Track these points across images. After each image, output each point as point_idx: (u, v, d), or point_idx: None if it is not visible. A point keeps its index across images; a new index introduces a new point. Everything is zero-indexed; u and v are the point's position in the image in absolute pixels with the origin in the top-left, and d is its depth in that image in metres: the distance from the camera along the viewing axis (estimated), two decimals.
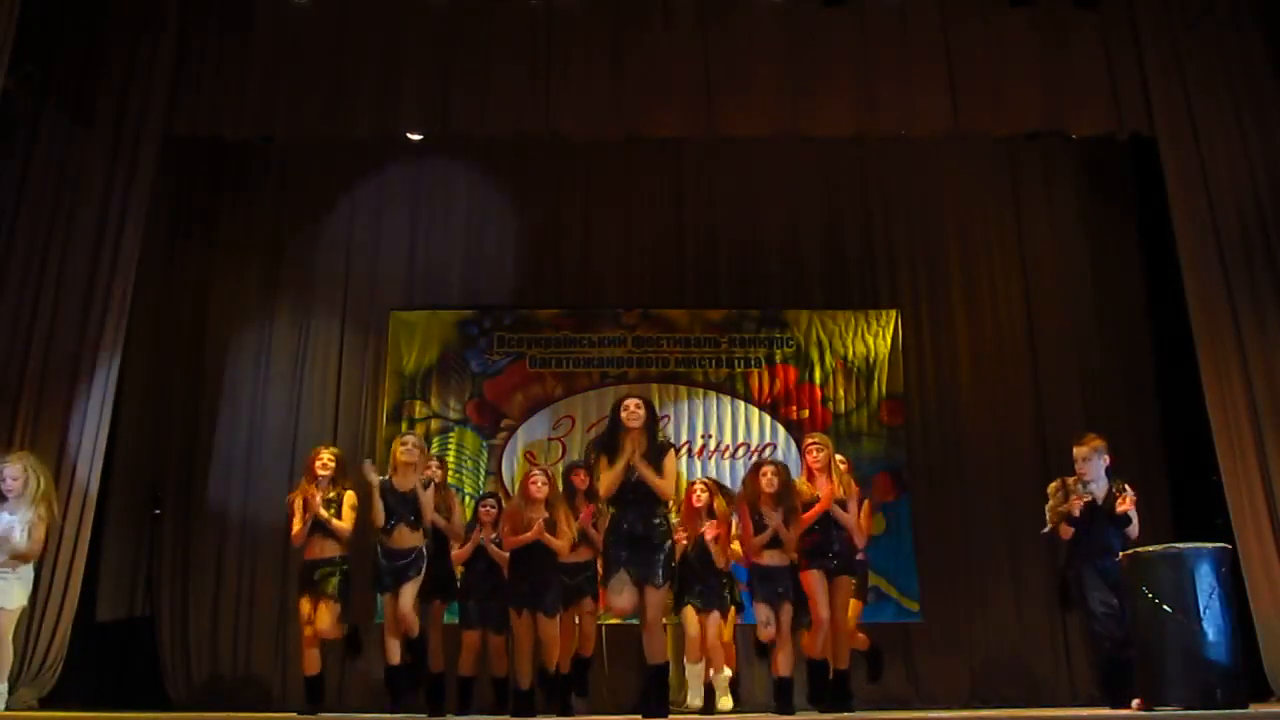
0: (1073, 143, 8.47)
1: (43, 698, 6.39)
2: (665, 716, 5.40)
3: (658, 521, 5.42)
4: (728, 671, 6.34)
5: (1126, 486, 5.85)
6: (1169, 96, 7.25)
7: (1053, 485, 6.08)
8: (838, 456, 6.20)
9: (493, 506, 6.44)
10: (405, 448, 6.03)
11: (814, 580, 5.87)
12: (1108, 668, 5.84)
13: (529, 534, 5.93)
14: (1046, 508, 6.05)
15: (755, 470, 5.99)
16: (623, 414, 5.46)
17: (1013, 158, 8.88)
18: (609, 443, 5.52)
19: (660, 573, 5.37)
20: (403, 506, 5.95)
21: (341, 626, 6.16)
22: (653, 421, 5.52)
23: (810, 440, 6.21)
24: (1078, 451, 5.96)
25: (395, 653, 6.01)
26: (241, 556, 8.11)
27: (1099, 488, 5.87)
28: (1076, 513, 5.81)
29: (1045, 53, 7.38)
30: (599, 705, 7.18)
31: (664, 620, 5.62)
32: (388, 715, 6.23)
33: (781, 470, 5.93)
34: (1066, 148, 8.70)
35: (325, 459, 6.21)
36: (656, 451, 5.45)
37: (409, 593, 5.94)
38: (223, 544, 8.12)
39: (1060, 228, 8.79)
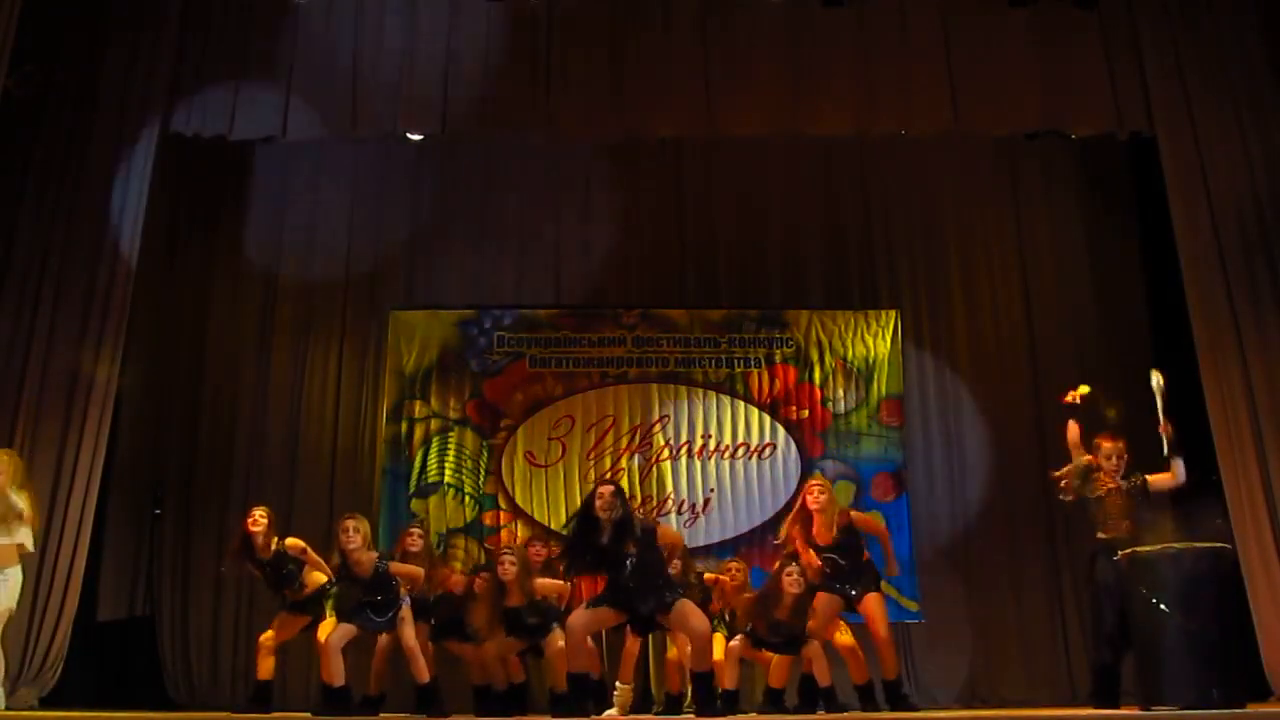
0: (1073, 143, 8.47)
1: (43, 697, 6.39)
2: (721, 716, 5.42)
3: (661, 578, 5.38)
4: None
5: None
6: (1169, 96, 7.24)
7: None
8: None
9: (486, 580, 6.45)
10: (354, 545, 6.04)
11: (825, 602, 6.12)
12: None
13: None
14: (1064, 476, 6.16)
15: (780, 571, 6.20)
16: (597, 503, 5.24)
17: (1013, 158, 8.88)
18: (581, 541, 5.30)
19: (669, 591, 5.27)
20: (367, 594, 6.07)
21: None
22: (625, 508, 5.27)
23: (814, 482, 6.34)
24: (1111, 447, 6.04)
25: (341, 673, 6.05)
26: None
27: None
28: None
29: (1045, 53, 7.37)
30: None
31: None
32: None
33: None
34: (1066, 148, 8.70)
35: (256, 516, 6.33)
36: (645, 535, 5.28)
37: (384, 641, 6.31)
38: (223, 544, 8.09)
39: (1060, 228, 8.78)
